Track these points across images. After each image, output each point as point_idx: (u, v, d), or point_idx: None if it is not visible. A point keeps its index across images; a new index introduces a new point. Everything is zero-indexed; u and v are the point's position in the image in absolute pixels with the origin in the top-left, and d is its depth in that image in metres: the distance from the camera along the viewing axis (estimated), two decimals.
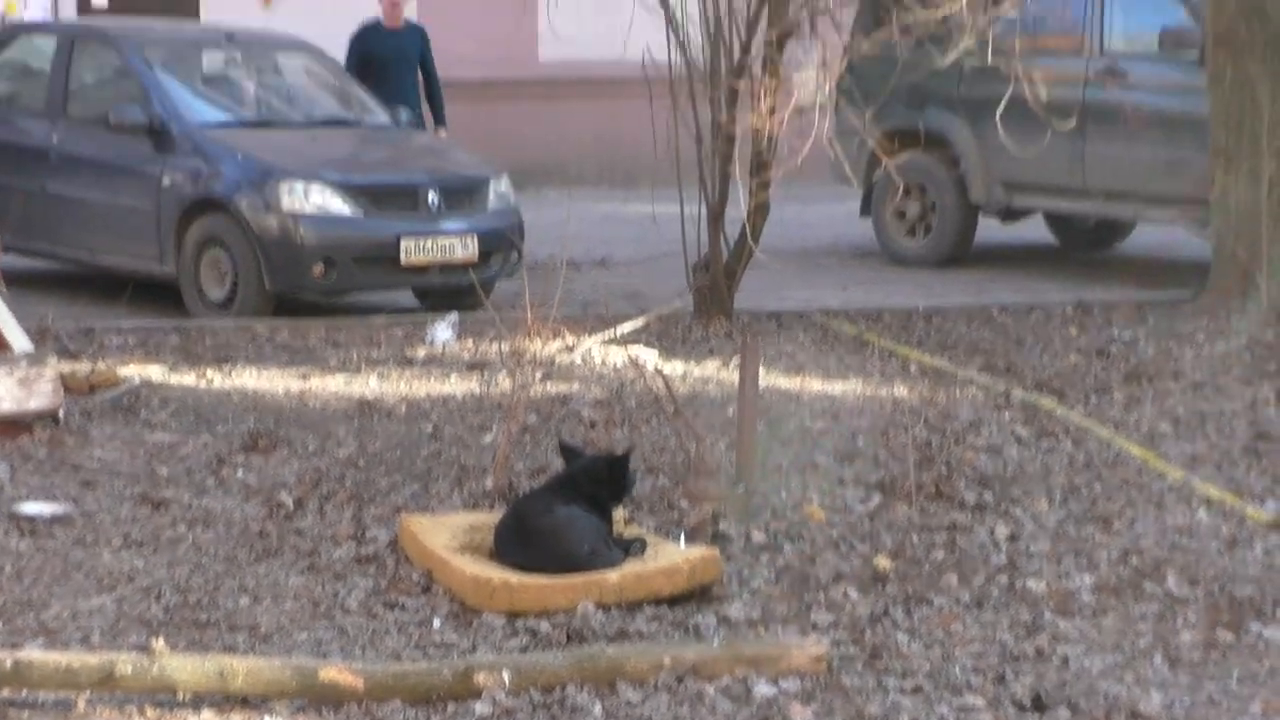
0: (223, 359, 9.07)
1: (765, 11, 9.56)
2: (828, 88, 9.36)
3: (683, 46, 9.68)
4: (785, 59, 9.61)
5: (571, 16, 14.50)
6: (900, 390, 8.37)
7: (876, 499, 6.62)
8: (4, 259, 9.56)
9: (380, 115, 11.91)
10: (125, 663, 4.72)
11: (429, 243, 10.64)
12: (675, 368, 8.72)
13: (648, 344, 9.22)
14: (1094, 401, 8.35)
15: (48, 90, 11.67)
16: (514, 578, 5.51)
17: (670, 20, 9.65)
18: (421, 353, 9.14)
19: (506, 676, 4.82)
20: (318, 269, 10.45)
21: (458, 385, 8.42)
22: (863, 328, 10.06)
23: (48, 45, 11.95)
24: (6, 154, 11.47)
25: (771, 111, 9.01)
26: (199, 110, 11.28)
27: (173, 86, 11.28)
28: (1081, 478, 7.05)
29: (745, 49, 9.62)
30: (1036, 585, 5.79)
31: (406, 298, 11.29)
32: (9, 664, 4.69)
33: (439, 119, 12.70)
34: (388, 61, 12.35)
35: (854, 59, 9.46)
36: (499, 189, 11.21)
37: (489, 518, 6.02)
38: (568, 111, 17.55)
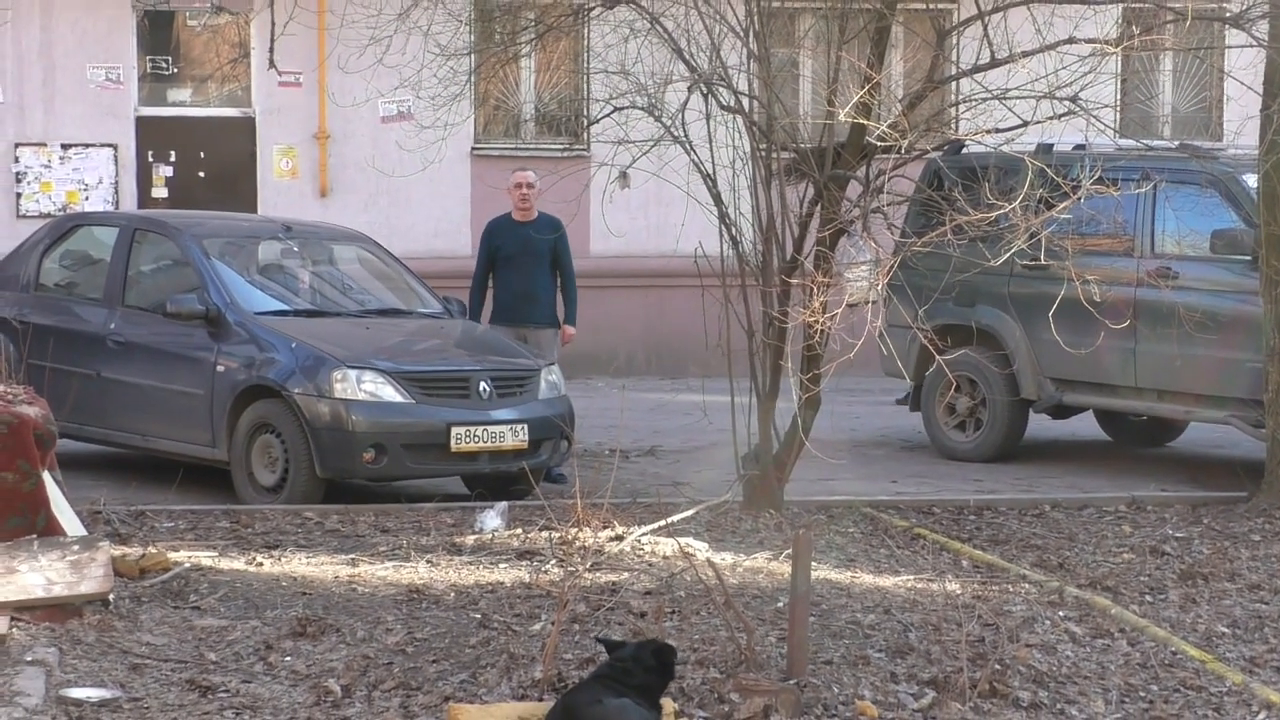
0: (272, 544, 9.12)
1: (818, 210, 9.73)
2: (880, 284, 9.48)
3: (735, 242, 9.84)
4: (837, 255, 9.74)
5: (623, 210, 14.79)
6: (952, 585, 8.33)
7: (930, 696, 6.57)
8: (58, 442, 9.68)
9: (433, 305, 12.09)
10: None
11: (479, 430, 10.75)
12: (725, 558, 8.71)
13: (697, 534, 9.23)
14: (1149, 601, 8.31)
15: (107, 278, 11.90)
16: None
17: (724, 217, 9.82)
18: (471, 540, 9.17)
19: None
20: (368, 455, 10.54)
21: (507, 573, 8.43)
22: (914, 521, 10.06)
23: (108, 235, 12.20)
24: (64, 340, 11.65)
25: (823, 307, 9.11)
26: (254, 299, 11.48)
27: (229, 276, 11.49)
28: (1138, 678, 7.00)
29: (798, 246, 9.77)
30: None
31: (456, 485, 11.36)
32: None
33: (570, 316, 12.26)
34: (514, 255, 12.06)
35: (906, 257, 9.57)
36: (549, 378, 11.33)
37: (538, 708, 6.00)
38: (618, 302, 17.76)
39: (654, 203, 16.66)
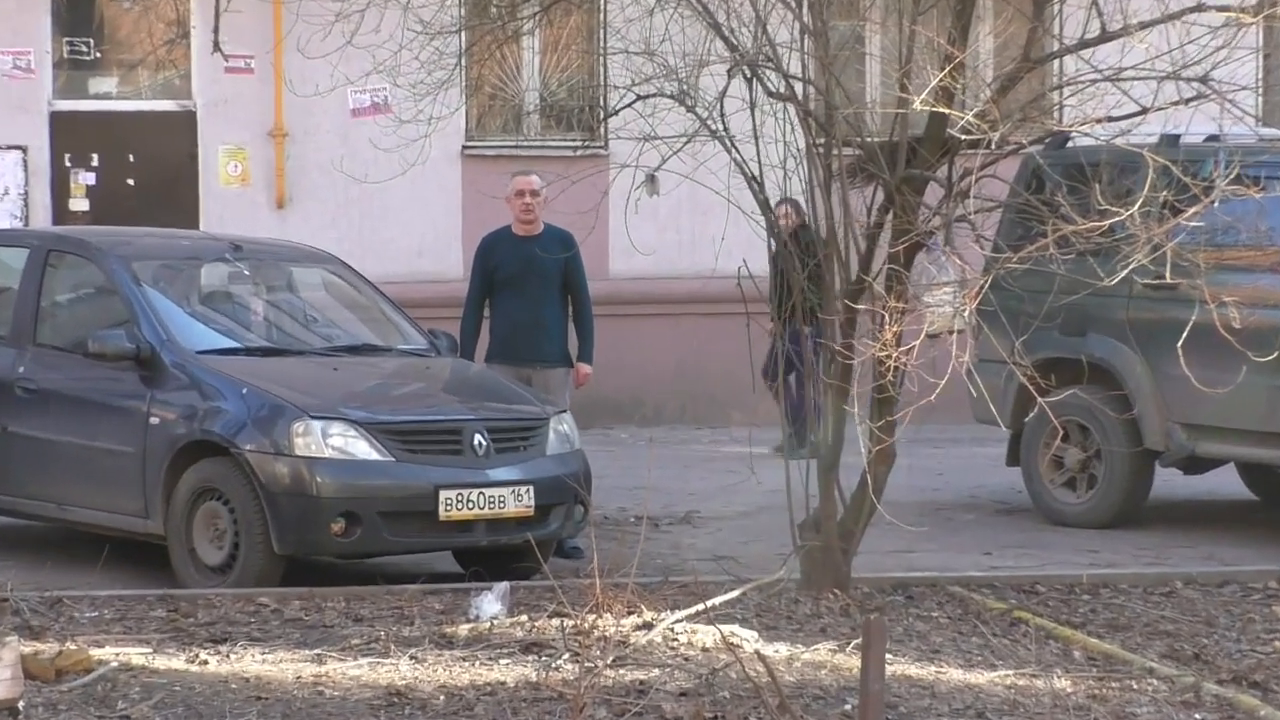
0: (220, 637, 9.13)
1: (889, 219, 9.74)
2: (967, 311, 9.47)
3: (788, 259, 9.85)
4: (914, 275, 9.74)
5: (650, 221, 14.83)
6: (1062, 682, 8.32)
7: None
8: None
9: (416, 340, 12.13)
10: None
11: (474, 494, 10.76)
12: (778, 650, 8.72)
13: (744, 621, 9.23)
14: None
15: (14, 311, 11.97)
16: None
17: (773, 229, 9.84)
18: (464, 630, 9.18)
19: None
20: (337, 526, 10.56)
21: (509, 671, 8.43)
22: (1013, 603, 10.05)
23: (16, 258, 12.26)
24: None
25: (897, 339, 9.12)
26: (196, 335, 11.53)
27: (165, 307, 11.54)
28: None
29: (865, 264, 9.78)
30: None
31: (446, 561, 11.37)
32: None
33: (584, 352, 12.30)
34: (515, 278, 12.09)
35: (999, 276, 9.59)
36: (560, 429, 11.36)
37: None
38: (644, 334, 17.79)
39: (687, 212, 16.71)
